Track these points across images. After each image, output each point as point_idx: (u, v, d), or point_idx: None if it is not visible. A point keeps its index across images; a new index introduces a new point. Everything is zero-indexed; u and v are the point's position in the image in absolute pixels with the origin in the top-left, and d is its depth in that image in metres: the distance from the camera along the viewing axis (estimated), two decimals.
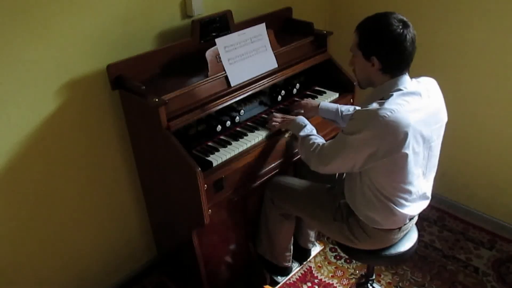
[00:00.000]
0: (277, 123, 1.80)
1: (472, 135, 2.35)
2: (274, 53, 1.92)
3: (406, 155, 1.40)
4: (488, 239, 2.40)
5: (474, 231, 2.46)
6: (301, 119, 1.75)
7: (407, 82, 1.46)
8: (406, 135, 1.37)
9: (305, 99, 2.01)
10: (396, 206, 1.52)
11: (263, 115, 1.95)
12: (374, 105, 1.41)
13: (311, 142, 1.63)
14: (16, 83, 1.53)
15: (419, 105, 1.43)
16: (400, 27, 1.38)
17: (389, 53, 1.42)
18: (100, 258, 2.07)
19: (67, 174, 1.79)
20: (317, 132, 1.71)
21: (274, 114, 1.85)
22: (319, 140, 1.64)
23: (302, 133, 1.69)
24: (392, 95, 1.42)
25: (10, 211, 1.67)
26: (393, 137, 1.37)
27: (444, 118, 1.56)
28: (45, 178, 1.73)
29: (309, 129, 1.71)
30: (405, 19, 1.42)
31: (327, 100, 2.05)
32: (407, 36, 1.39)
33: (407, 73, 1.47)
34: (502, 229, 2.42)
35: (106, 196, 1.97)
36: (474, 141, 2.36)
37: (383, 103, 1.40)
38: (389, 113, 1.36)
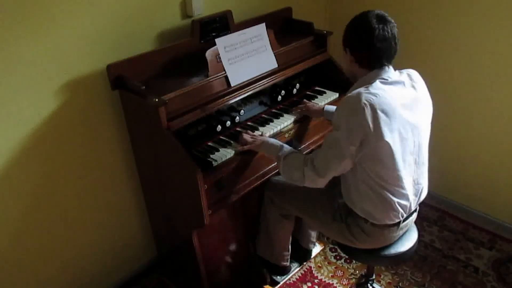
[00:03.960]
0: (247, 145, 1.70)
1: (472, 135, 2.35)
2: (274, 53, 1.92)
3: (390, 144, 1.41)
4: (488, 239, 2.40)
5: (474, 231, 2.46)
6: (273, 140, 1.69)
7: (389, 73, 1.49)
8: (389, 118, 1.40)
9: (309, 101, 1.99)
10: (391, 195, 1.52)
11: (263, 115, 1.95)
12: (358, 90, 1.44)
13: (297, 158, 1.59)
14: (16, 83, 1.53)
15: (403, 93, 1.47)
16: (374, 22, 1.42)
17: (358, 47, 1.48)
18: (100, 258, 2.07)
19: (67, 174, 1.79)
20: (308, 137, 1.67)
21: (243, 134, 1.74)
22: (303, 154, 1.61)
23: (281, 153, 1.62)
24: (375, 81, 1.46)
25: (10, 210, 1.67)
26: (379, 120, 1.38)
27: (430, 107, 1.58)
28: (45, 178, 1.73)
29: (287, 147, 1.64)
30: (386, 16, 1.45)
31: (327, 100, 2.06)
32: (376, 31, 1.41)
33: (389, 66, 1.50)
34: (502, 229, 2.42)
35: (106, 196, 1.97)
36: (474, 141, 2.36)
37: (367, 87, 1.43)
38: (373, 97, 1.39)
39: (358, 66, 1.51)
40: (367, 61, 1.49)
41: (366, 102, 1.38)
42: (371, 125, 1.38)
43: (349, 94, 1.46)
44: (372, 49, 1.44)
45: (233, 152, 1.70)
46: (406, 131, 1.46)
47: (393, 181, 1.50)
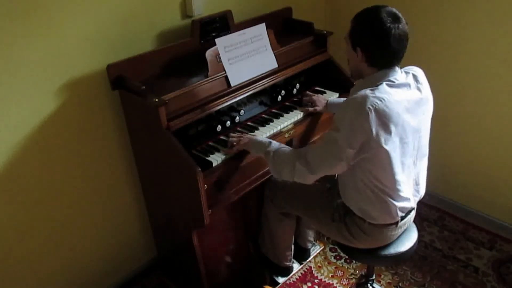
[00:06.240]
0: (234, 145, 1.67)
1: (472, 135, 2.35)
2: (274, 53, 1.92)
3: (390, 150, 1.40)
4: (488, 239, 2.40)
5: (474, 231, 2.46)
6: (260, 138, 1.68)
7: (397, 74, 1.46)
8: (393, 124, 1.38)
9: (315, 94, 2.01)
10: (389, 197, 1.51)
11: (263, 115, 1.95)
12: (364, 92, 1.40)
13: (287, 153, 1.55)
14: (16, 83, 1.53)
15: (407, 96, 1.44)
16: (389, 21, 1.36)
17: (371, 47, 1.42)
18: (100, 258, 2.07)
19: (67, 174, 1.79)
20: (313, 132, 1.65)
21: (231, 134, 1.73)
22: (292, 149, 1.58)
23: (270, 149, 1.59)
24: (381, 83, 1.42)
25: (10, 211, 1.67)
26: (382, 126, 1.37)
27: (431, 107, 1.56)
28: (44, 178, 1.73)
29: (276, 143, 1.61)
30: (397, 13, 1.40)
31: None
32: (393, 31, 1.36)
33: (397, 66, 1.47)
34: (502, 229, 2.42)
35: (106, 196, 1.97)
36: (474, 140, 2.36)
37: (373, 90, 1.40)
38: (378, 102, 1.36)
39: (368, 65, 1.46)
40: (379, 61, 1.44)
41: (371, 106, 1.35)
42: (373, 131, 1.36)
43: (354, 96, 1.42)
44: (388, 49, 1.40)
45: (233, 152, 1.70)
46: (407, 135, 1.45)
47: (392, 185, 1.50)
